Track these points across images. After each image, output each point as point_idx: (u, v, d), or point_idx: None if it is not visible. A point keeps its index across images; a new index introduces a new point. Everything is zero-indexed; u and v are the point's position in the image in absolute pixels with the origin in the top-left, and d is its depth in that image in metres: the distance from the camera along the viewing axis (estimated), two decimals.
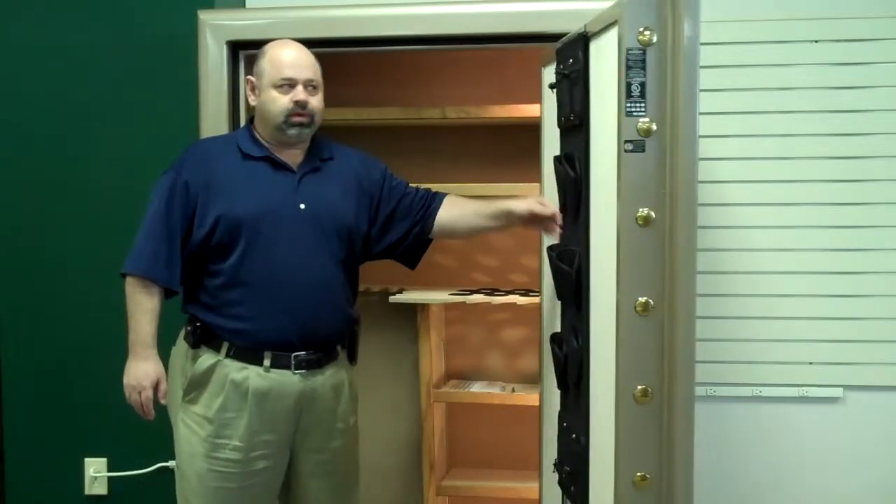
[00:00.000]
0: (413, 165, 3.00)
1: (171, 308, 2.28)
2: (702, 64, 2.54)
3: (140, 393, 2.17)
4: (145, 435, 2.70)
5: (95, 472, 2.77)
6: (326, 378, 2.24)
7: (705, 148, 2.65)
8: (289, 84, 2.20)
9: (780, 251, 2.65)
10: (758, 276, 2.66)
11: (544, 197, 2.34)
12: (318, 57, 2.96)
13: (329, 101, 2.97)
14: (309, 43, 2.63)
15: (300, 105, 2.19)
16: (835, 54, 2.62)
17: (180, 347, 2.25)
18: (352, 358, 2.34)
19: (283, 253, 2.17)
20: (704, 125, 2.60)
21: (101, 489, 2.79)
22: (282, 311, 2.17)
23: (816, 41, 2.63)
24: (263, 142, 2.25)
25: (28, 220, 2.77)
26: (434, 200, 2.35)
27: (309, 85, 2.22)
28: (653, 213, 1.70)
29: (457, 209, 2.34)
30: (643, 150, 1.69)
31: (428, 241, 2.36)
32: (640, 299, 1.72)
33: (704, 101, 2.59)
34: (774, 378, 2.67)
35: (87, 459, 2.79)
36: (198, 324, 2.20)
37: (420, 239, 2.34)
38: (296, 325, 2.17)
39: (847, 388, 2.67)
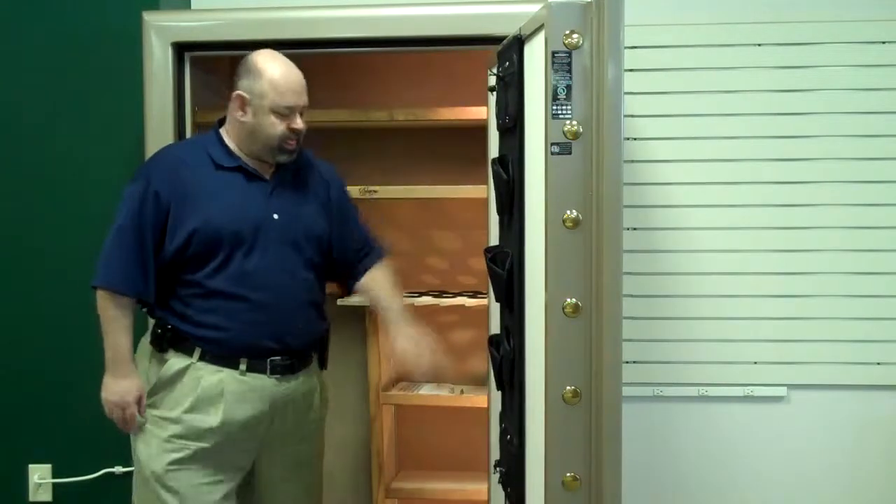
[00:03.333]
0: (361, 168, 3.01)
1: None
2: (648, 67, 2.64)
3: (124, 410, 2.16)
4: (90, 441, 2.69)
5: (40, 478, 2.74)
6: (300, 383, 2.25)
7: (650, 150, 2.67)
8: (290, 112, 2.19)
9: (725, 252, 2.68)
10: (703, 277, 2.68)
11: (423, 344, 2.25)
12: None
13: None
14: (255, 45, 2.63)
15: (296, 133, 2.20)
16: (778, 57, 2.65)
17: (143, 351, 2.24)
18: (322, 363, 2.37)
19: (259, 264, 2.17)
20: (649, 128, 2.66)
21: (45, 496, 2.76)
22: (257, 322, 2.17)
23: (760, 45, 2.65)
24: (237, 152, 2.23)
25: None
26: (369, 259, 2.38)
27: (304, 110, 2.23)
28: (580, 216, 1.71)
29: (375, 286, 2.35)
30: (570, 153, 1.70)
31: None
32: (569, 301, 1.73)
33: (649, 104, 2.65)
34: (720, 378, 2.70)
35: (31, 466, 2.75)
36: (168, 327, 2.18)
37: (344, 281, 2.41)
38: (271, 335, 2.19)
39: (791, 387, 2.70)
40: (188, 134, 2.69)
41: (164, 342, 2.18)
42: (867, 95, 2.62)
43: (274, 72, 2.19)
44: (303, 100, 2.21)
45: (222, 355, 2.16)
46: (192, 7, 2.83)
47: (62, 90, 2.70)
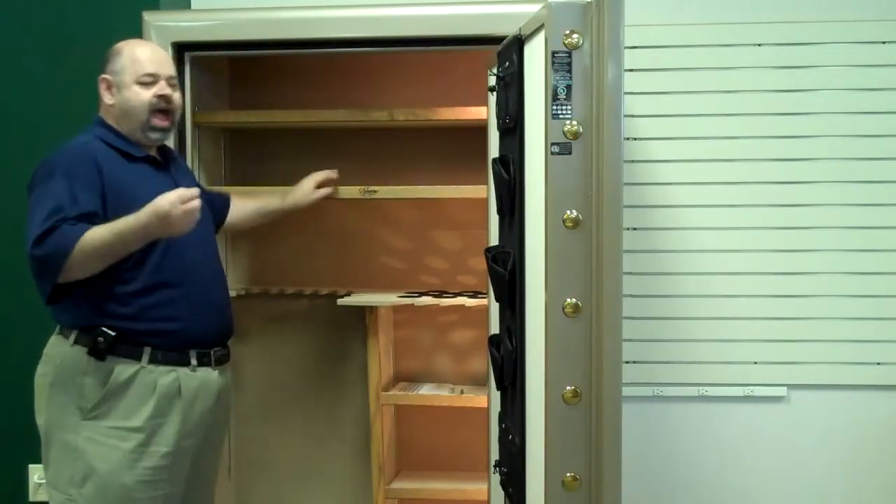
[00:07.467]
0: (361, 168, 3.00)
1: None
2: (648, 67, 2.64)
3: (183, 203, 2.00)
4: None
5: (40, 478, 2.74)
6: (228, 373, 2.32)
7: (650, 150, 2.67)
8: (152, 80, 2.21)
9: (725, 252, 2.68)
10: (703, 277, 2.69)
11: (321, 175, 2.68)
12: (264, 58, 2.98)
13: (277, 104, 2.99)
14: (255, 45, 2.65)
15: (165, 99, 2.21)
16: (778, 57, 2.65)
17: (69, 364, 2.13)
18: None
19: (190, 250, 2.19)
20: (649, 128, 2.66)
21: (45, 496, 2.73)
22: (202, 308, 2.21)
23: (760, 45, 2.66)
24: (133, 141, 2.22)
25: None
26: (226, 203, 2.56)
27: (171, 81, 2.25)
28: (580, 216, 1.71)
29: (241, 213, 2.59)
30: (570, 153, 1.70)
31: None
32: (569, 301, 1.73)
33: (649, 104, 2.66)
34: (720, 378, 2.71)
35: (31, 466, 2.75)
36: (112, 333, 2.10)
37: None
38: (214, 320, 2.24)
39: (791, 387, 2.70)
40: (188, 135, 2.70)
41: (104, 349, 2.09)
42: (867, 95, 2.63)
43: (132, 47, 2.25)
44: (165, 70, 2.24)
45: (174, 350, 2.15)
46: (192, 7, 2.83)
47: (62, 90, 2.69)
